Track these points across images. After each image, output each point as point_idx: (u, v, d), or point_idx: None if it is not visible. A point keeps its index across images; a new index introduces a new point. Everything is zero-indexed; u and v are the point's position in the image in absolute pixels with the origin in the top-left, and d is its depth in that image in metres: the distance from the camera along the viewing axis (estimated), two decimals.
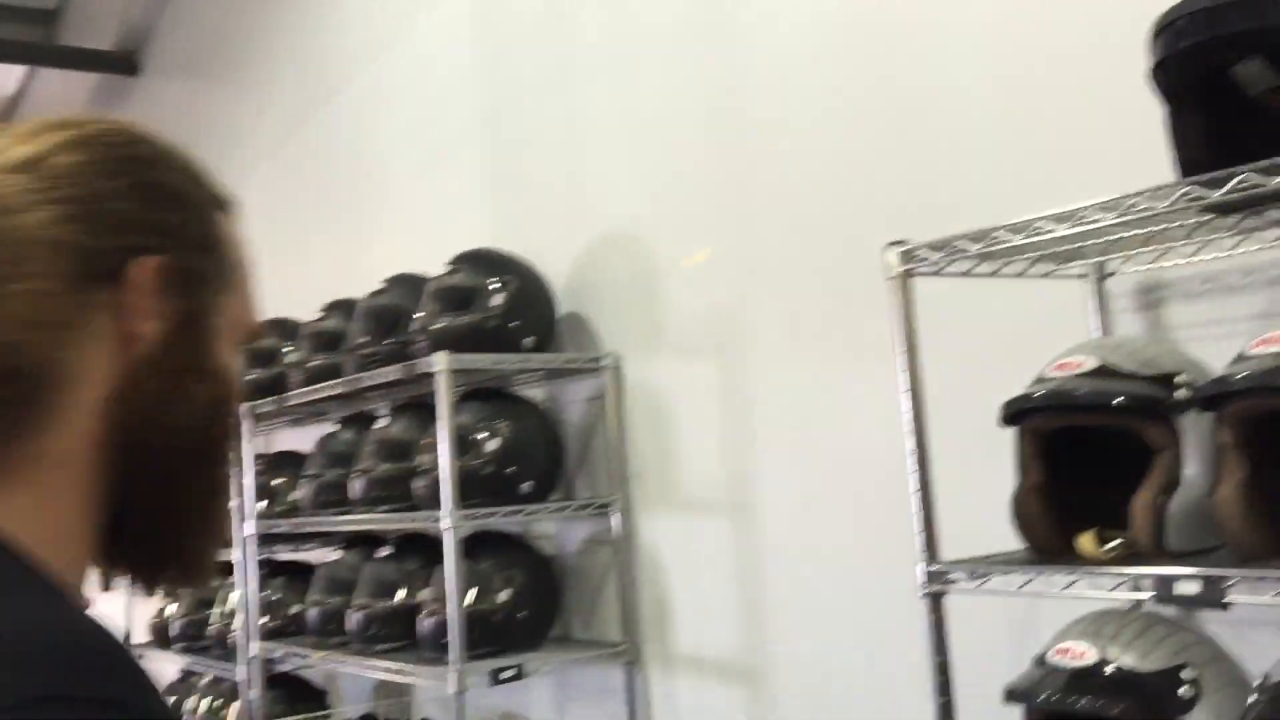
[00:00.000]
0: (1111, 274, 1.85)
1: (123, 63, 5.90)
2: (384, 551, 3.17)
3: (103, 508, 0.74)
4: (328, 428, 3.60)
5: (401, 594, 3.01)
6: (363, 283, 3.33)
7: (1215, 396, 1.38)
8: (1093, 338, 1.79)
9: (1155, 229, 1.55)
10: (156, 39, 5.83)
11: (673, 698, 2.73)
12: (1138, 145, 1.56)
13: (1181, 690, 1.44)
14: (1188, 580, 1.32)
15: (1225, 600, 1.30)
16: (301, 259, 4.38)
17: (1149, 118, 1.47)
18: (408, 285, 3.16)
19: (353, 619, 3.06)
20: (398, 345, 3.02)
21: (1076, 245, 1.65)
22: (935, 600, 1.58)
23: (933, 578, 1.57)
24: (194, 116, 5.37)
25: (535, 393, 3.11)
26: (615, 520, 2.83)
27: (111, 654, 0.65)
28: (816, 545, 2.37)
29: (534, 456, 2.87)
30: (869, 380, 2.15)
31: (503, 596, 2.81)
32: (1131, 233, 1.54)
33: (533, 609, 2.87)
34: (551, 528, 3.09)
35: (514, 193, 3.28)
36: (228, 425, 0.79)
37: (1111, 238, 1.57)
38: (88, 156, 0.75)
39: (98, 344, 0.73)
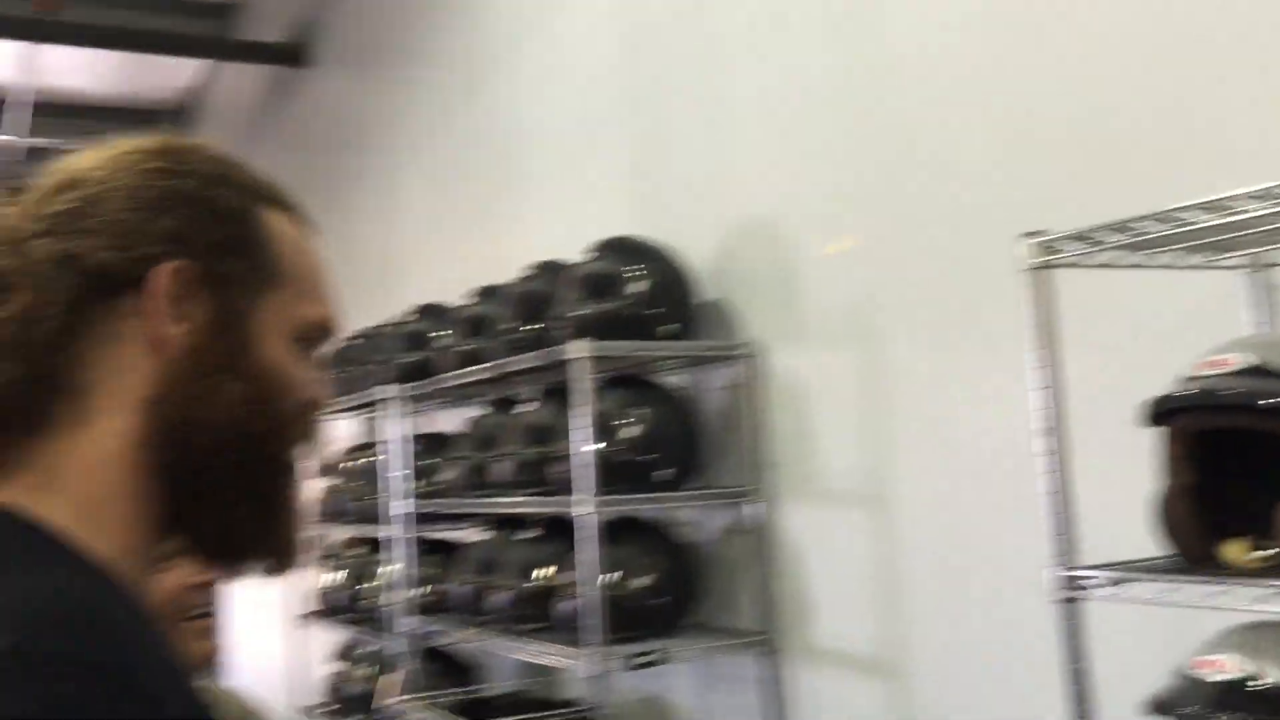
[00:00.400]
0: (1273, 265, 1.74)
1: (292, 55, 6.13)
2: (528, 534, 3.23)
3: (160, 501, 0.78)
4: (478, 409, 3.69)
5: (543, 576, 3.06)
6: (511, 268, 3.39)
7: None
8: (1248, 333, 1.69)
9: None
10: (324, 32, 6.04)
11: (812, 689, 2.71)
12: None
13: None
14: None
15: None
16: (455, 244, 4.49)
17: None
18: (552, 271, 3.20)
19: (497, 599, 3.13)
20: (541, 331, 3.07)
21: (1231, 235, 1.56)
22: (1068, 606, 1.52)
23: (1066, 582, 1.51)
24: (358, 106, 5.55)
25: (676, 380, 3.11)
26: (753, 509, 2.82)
27: (101, 611, 0.68)
28: (954, 541, 2.31)
29: (673, 444, 2.87)
30: (1010, 374, 2.07)
31: (641, 582, 2.84)
32: None
33: (671, 596, 2.88)
34: (691, 515, 3.10)
35: (656, 180, 3.29)
36: (275, 420, 0.81)
37: (1268, 227, 1.48)
38: (118, 174, 0.79)
39: (129, 349, 0.77)
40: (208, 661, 1.44)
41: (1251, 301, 1.74)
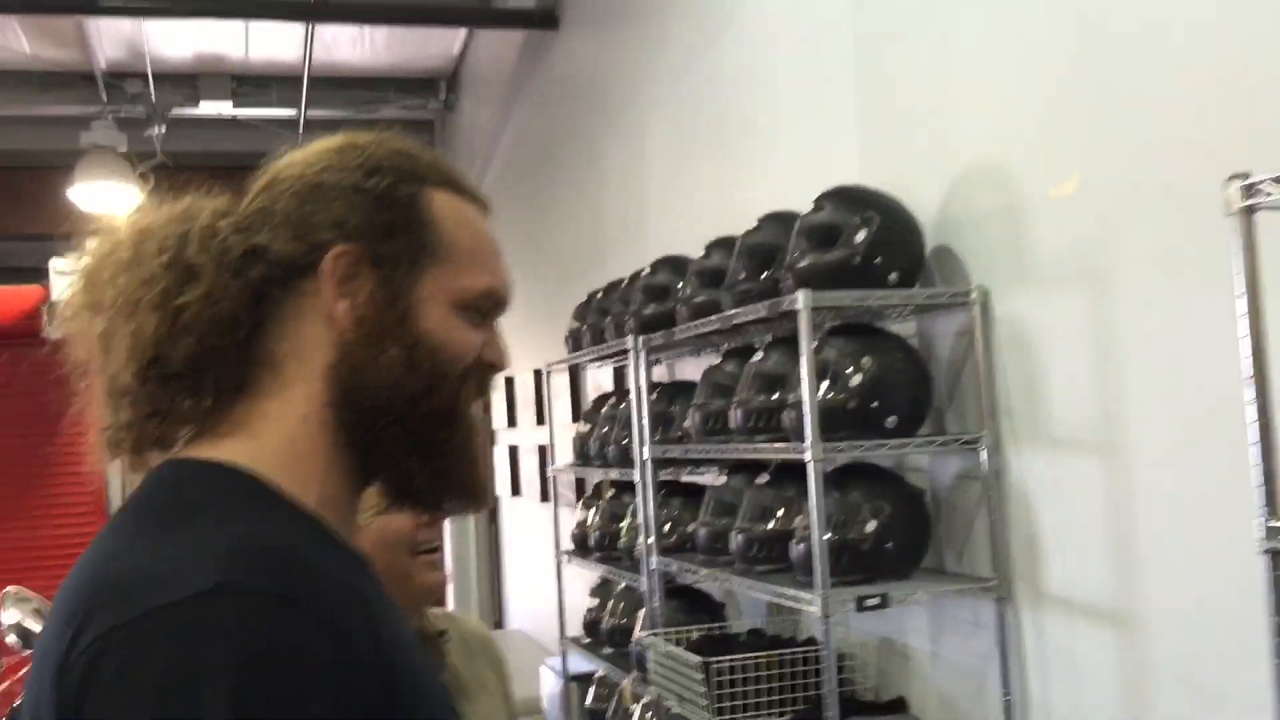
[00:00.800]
0: None
1: (545, 19, 6.39)
2: (763, 478, 3.33)
3: (351, 455, 0.92)
4: (716, 358, 3.81)
5: (778, 519, 3.16)
6: (747, 219, 3.48)
7: None
8: None
9: None
10: None
11: (1043, 635, 2.70)
12: None
13: None
14: None
15: None
16: (695, 196, 4.61)
17: None
18: (781, 222, 3.26)
19: (735, 540, 3.26)
20: (770, 282, 3.15)
21: None
22: (1276, 558, 1.48)
23: (1272, 533, 1.48)
24: (605, 65, 5.74)
25: (904, 327, 3.12)
26: (984, 456, 2.81)
27: (302, 552, 0.81)
28: (1186, 489, 2.24)
29: (899, 391, 2.89)
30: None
31: (870, 527, 2.89)
32: None
33: (901, 540, 2.92)
34: (923, 461, 3.11)
35: (883, 128, 3.28)
36: (434, 379, 0.93)
37: None
38: (299, 172, 0.95)
39: (312, 325, 0.92)
40: (438, 590, 1.62)
41: None
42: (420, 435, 0.93)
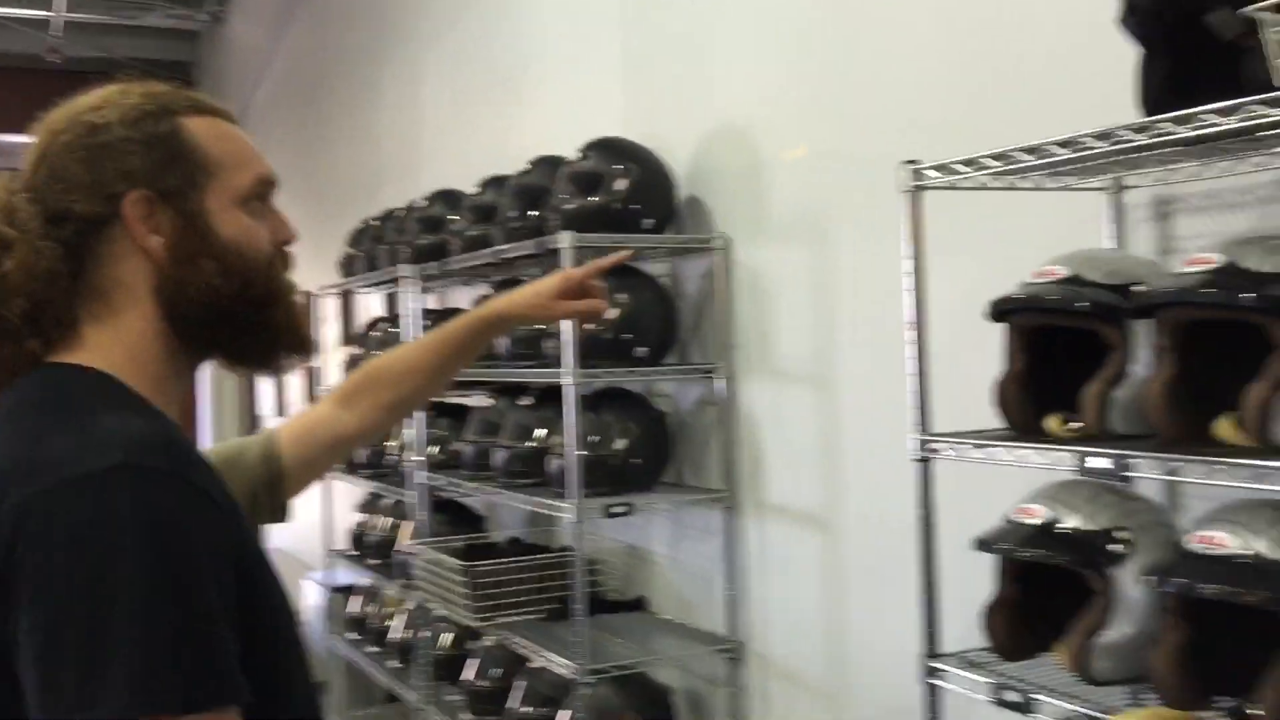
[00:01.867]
0: (1129, 187, 2.06)
1: None
2: (526, 400, 3.63)
3: (189, 351, 1.17)
4: (487, 290, 4.07)
5: (539, 438, 3.48)
6: (520, 159, 3.73)
7: (1148, 306, 1.63)
8: (1101, 247, 2.03)
9: (1155, 153, 1.76)
10: None
11: (763, 540, 3.13)
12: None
13: (1112, 546, 1.73)
14: (1103, 458, 1.61)
15: (1129, 475, 1.58)
16: (470, 133, 4.82)
17: None
18: (550, 166, 3.54)
19: (498, 456, 3.56)
20: (537, 221, 3.43)
21: (1098, 162, 1.86)
22: (922, 465, 1.90)
23: (922, 445, 1.89)
24: None
25: (658, 268, 3.47)
26: (720, 385, 3.21)
27: (177, 444, 1.06)
28: (877, 414, 2.68)
29: (650, 325, 3.25)
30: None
31: (619, 444, 3.25)
32: (1143, 154, 1.74)
33: (646, 457, 3.30)
34: (670, 388, 3.49)
35: (645, 83, 3.59)
36: (248, 270, 1.17)
37: (1123, 158, 1.76)
38: (66, 139, 1.14)
39: (131, 259, 1.14)
40: None
41: (1111, 219, 2.07)
42: (248, 319, 1.17)
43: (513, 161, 3.78)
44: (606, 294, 1.83)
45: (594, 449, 3.20)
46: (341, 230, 5.30)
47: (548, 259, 3.31)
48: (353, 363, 4.92)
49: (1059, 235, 2.11)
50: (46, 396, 1.10)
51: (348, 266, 5.07)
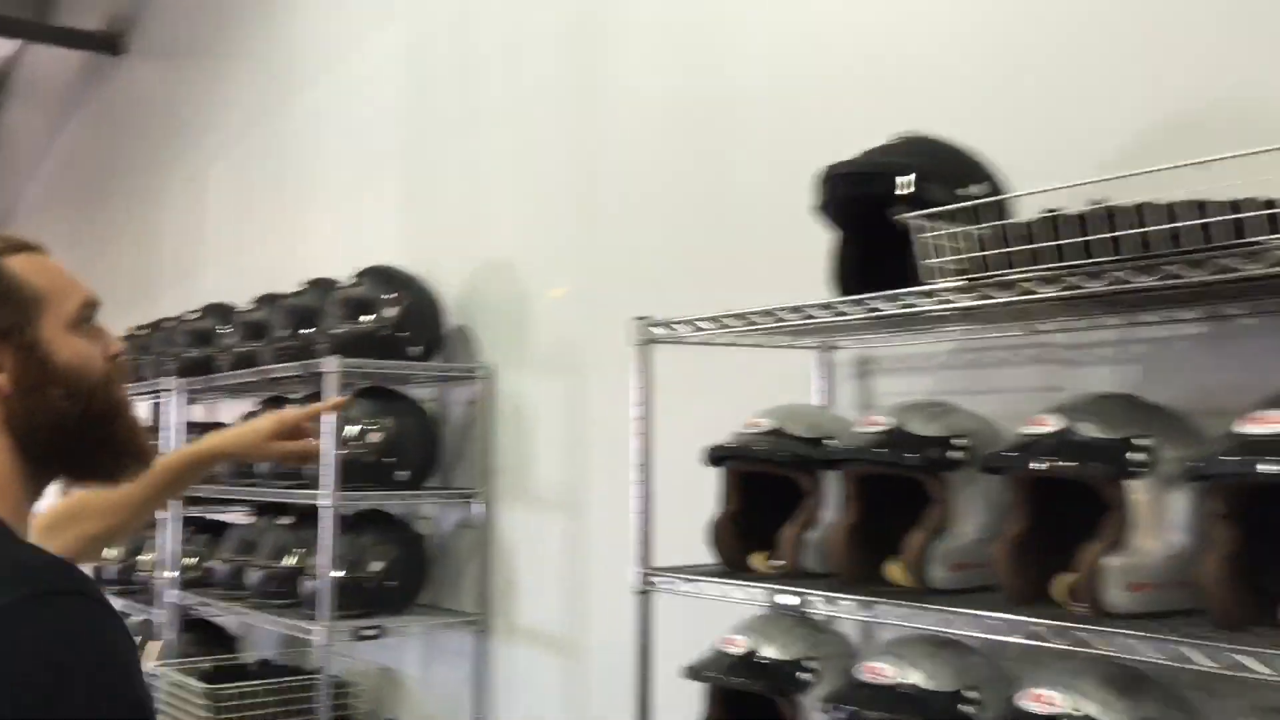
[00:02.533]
0: (838, 348, 2.31)
1: (108, 43, 6.31)
2: (286, 520, 3.63)
3: (37, 472, 1.20)
4: (252, 405, 4.06)
5: (296, 558, 3.48)
6: (295, 279, 3.78)
7: (832, 460, 1.85)
8: (811, 400, 2.26)
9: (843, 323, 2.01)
10: (142, 24, 6.24)
11: (512, 661, 3.21)
12: None
13: (802, 675, 1.91)
14: (791, 595, 1.79)
15: (810, 612, 1.77)
16: (250, 248, 4.84)
17: None
18: (323, 288, 3.62)
19: (253, 575, 3.53)
20: (307, 342, 3.48)
21: (808, 327, 2.09)
22: (643, 597, 2.05)
23: (642, 579, 2.05)
24: (172, 98, 5.80)
25: (425, 393, 3.57)
26: (478, 509, 3.31)
27: (67, 566, 1.10)
28: (617, 542, 2.82)
29: (412, 449, 3.34)
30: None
31: (376, 567, 3.29)
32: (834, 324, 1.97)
33: (402, 580, 3.35)
34: (430, 511, 3.56)
35: (421, 216, 3.74)
36: (89, 390, 1.22)
37: (819, 325, 2.00)
38: None
39: None
40: None
41: (821, 375, 2.31)
42: (93, 435, 1.22)
43: (291, 280, 3.84)
44: (318, 436, 1.92)
45: (350, 570, 3.23)
46: (116, 333, 5.17)
47: (315, 380, 3.37)
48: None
49: (779, 386, 2.34)
50: None
51: None
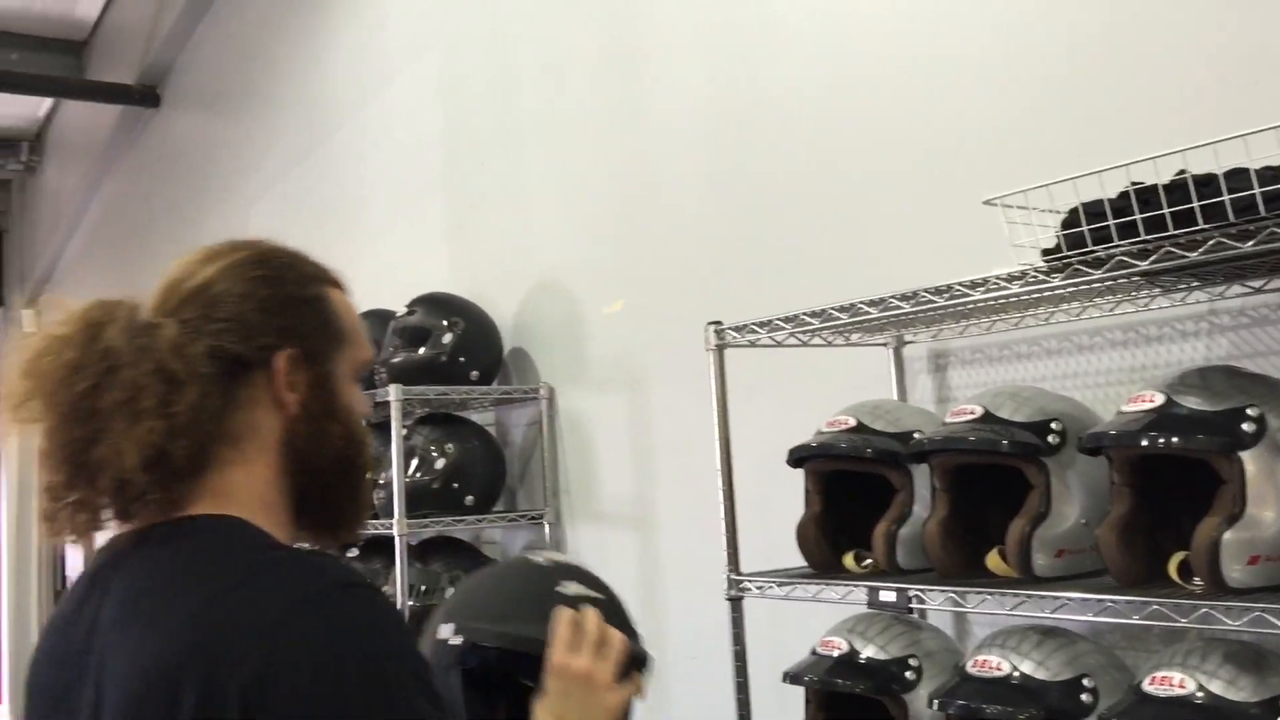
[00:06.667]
0: (909, 343, 2.29)
1: (144, 96, 6.39)
2: (353, 552, 3.63)
3: (297, 502, 1.18)
4: None
5: None
6: None
7: (921, 452, 1.82)
8: (885, 396, 2.24)
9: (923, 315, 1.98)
10: (175, 75, 6.32)
11: None
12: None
13: (909, 674, 1.88)
14: (890, 592, 1.77)
15: (914, 607, 1.74)
16: None
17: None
18: (379, 319, 3.63)
19: None
20: (368, 374, 3.49)
21: (881, 322, 2.06)
22: (735, 603, 2.03)
23: (733, 584, 2.02)
24: (207, 148, 5.87)
25: (484, 417, 3.57)
26: (547, 529, 3.29)
27: (350, 565, 1.12)
28: (694, 553, 2.82)
29: (477, 473, 3.33)
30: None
31: (448, 594, 3.27)
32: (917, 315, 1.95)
33: None
34: (497, 535, 3.55)
35: (468, 242, 3.75)
36: (358, 440, 1.22)
37: (898, 319, 1.97)
38: (232, 283, 1.17)
39: (264, 409, 1.16)
40: None
41: (894, 371, 2.29)
42: (348, 485, 1.21)
43: None
44: None
45: (422, 599, 3.22)
46: None
47: (377, 410, 3.37)
48: None
49: (853, 385, 2.32)
50: (207, 549, 1.10)
51: None
